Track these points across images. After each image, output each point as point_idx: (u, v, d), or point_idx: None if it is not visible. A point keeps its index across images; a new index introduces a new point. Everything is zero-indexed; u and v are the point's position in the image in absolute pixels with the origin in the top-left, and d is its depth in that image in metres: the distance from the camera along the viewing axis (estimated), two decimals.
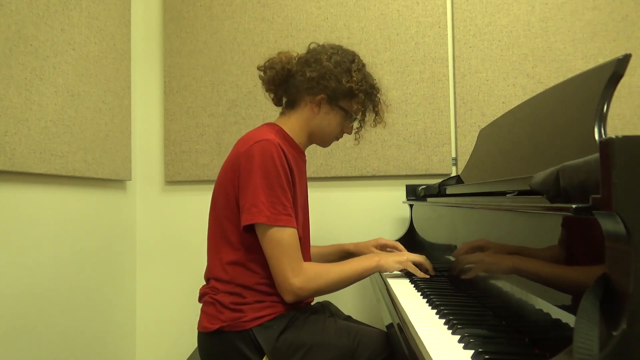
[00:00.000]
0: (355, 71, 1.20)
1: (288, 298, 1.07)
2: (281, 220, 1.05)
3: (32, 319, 1.38)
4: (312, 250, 1.45)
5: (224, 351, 1.08)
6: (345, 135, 1.28)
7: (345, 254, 1.46)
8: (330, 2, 1.94)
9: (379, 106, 1.27)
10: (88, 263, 1.66)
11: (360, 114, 1.27)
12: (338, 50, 1.23)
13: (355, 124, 1.32)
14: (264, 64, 1.26)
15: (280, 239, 1.04)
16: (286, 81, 1.24)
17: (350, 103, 1.22)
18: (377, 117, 1.28)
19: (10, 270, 1.30)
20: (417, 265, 1.21)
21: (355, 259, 1.18)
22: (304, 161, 1.29)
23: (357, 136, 1.35)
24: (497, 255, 0.84)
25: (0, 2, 1.24)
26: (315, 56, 1.21)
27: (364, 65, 1.25)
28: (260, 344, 1.05)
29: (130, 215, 1.99)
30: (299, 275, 1.05)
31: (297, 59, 1.24)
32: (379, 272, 1.33)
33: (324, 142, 1.30)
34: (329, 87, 1.18)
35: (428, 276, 1.19)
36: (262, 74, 1.27)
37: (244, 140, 1.13)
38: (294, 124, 1.23)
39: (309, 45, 1.27)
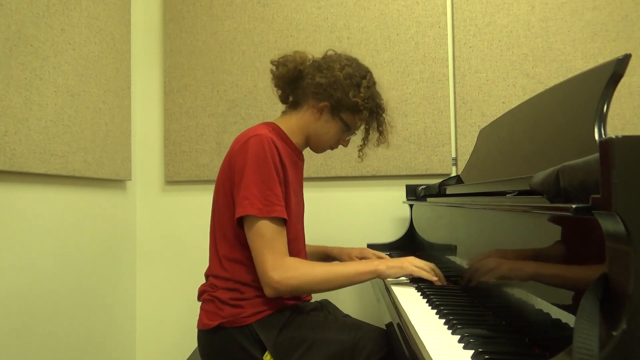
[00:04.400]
0: (364, 87, 1.19)
1: (267, 292, 1.04)
2: (274, 211, 1.04)
3: (32, 319, 1.38)
4: (316, 248, 1.45)
5: (225, 347, 1.08)
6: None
7: (326, 256, 1.45)
8: (330, 2, 1.94)
9: (384, 126, 1.26)
10: (88, 263, 1.66)
11: (364, 131, 1.27)
12: (352, 62, 1.22)
13: (358, 140, 1.31)
14: (278, 59, 1.25)
15: (264, 231, 1.03)
16: (296, 81, 1.23)
17: (352, 117, 1.22)
18: (380, 137, 1.27)
19: (10, 270, 1.30)
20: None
21: (352, 262, 1.15)
22: (302, 160, 1.29)
23: (361, 154, 1.34)
24: (497, 256, 0.84)
25: (0, 2, 1.24)
26: (328, 63, 1.20)
27: (374, 83, 1.24)
28: (261, 339, 1.06)
29: (130, 215, 1.99)
30: (279, 270, 1.02)
31: (311, 61, 1.24)
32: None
33: (318, 149, 1.29)
34: (334, 97, 1.18)
35: (436, 279, 1.09)
36: (274, 68, 1.26)
37: (239, 138, 1.14)
38: (293, 124, 1.23)
39: (327, 51, 1.26)
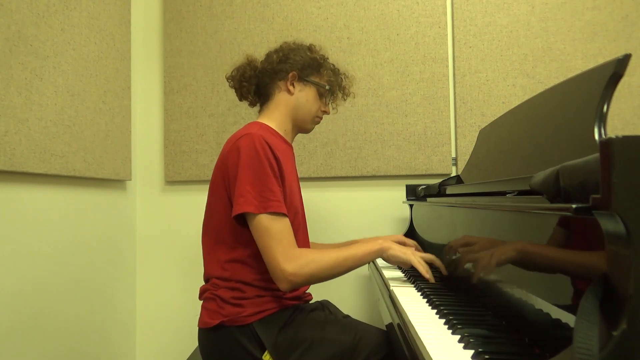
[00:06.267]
0: (314, 49, 1.29)
1: (283, 286, 1.04)
2: (271, 206, 1.05)
3: (33, 319, 1.38)
4: (323, 247, 1.45)
5: (226, 346, 1.08)
6: (343, 134, 1.27)
7: None
8: (330, 2, 1.94)
9: (345, 80, 1.34)
10: (88, 263, 1.66)
11: (329, 90, 1.31)
12: (293, 41, 1.32)
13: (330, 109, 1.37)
14: (230, 73, 1.31)
15: (268, 226, 1.04)
16: (255, 76, 1.29)
17: (319, 76, 1.28)
18: (345, 91, 1.34)
19: (10, 269, 1.30)
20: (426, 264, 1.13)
21: (356, 244, 1.16)
22: (292, 152, 1.31)
23: (334, 105, 1.37)
24: (496, 255, 0.84)
25: (0, 2, 1.24)
26: (274, 49, 1.30)
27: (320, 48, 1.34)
28: (261, 339, 1.06)
29: (130, 215, 1.99)
30: (291, 261, 1.02)
31: (258, 60, 1.31)
32: (380, 273, 1.33)
33: (307, 123, 1.30)
34: (297, 62, 1.25)
35: (429, 278, 1.10)
36: (231, 82, 1.31)
37: (230, 140, 1.16)
38: (275, 115, 1.26)
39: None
